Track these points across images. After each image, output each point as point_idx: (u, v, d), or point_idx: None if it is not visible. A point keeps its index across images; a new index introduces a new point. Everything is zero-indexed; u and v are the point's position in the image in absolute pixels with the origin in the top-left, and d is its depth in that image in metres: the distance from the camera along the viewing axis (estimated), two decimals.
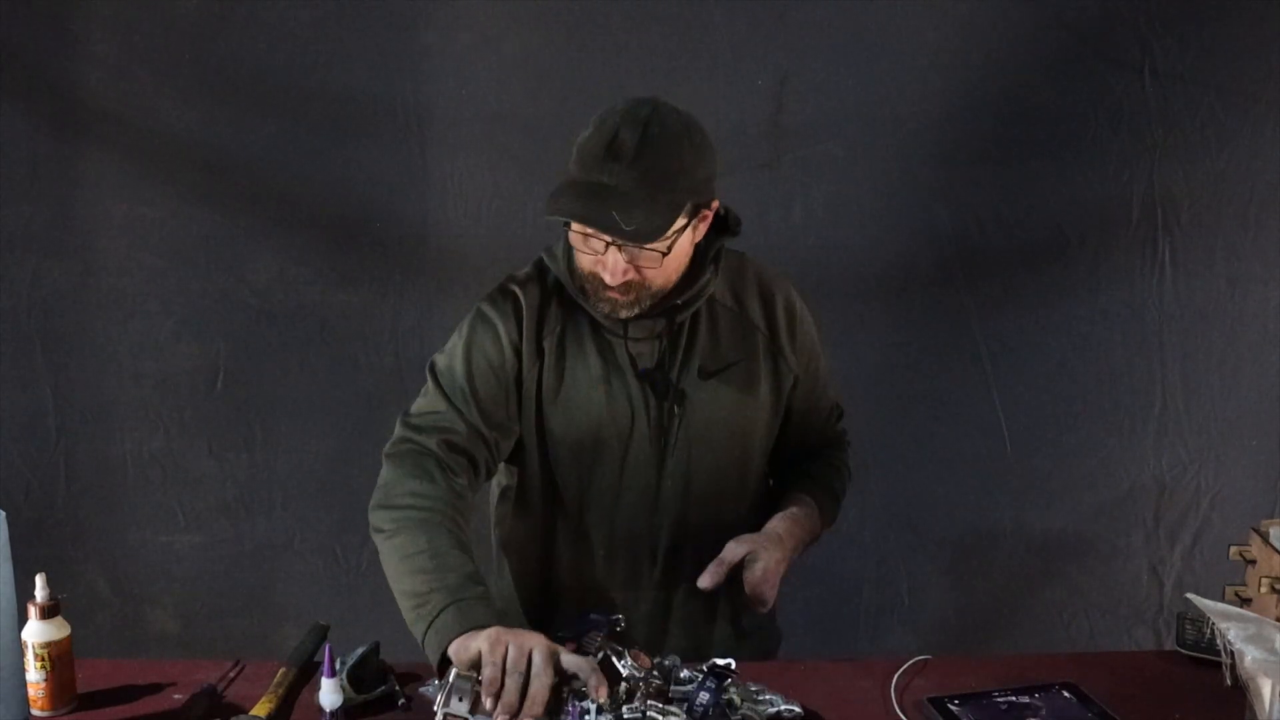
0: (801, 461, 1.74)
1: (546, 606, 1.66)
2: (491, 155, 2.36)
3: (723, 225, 1.62)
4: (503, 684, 1.24)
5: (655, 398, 1.57)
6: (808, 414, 1.72)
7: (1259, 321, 2.41)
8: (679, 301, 1.56)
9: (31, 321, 2.41)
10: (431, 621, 1.33)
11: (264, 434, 2.47)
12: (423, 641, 1.34)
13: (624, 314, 1.51)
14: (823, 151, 2.37)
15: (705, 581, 1.53)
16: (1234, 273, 2.39)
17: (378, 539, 1.46)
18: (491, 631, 1.29)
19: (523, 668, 1.25)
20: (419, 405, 1.57)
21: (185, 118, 2.34)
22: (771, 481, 1.75)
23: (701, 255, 1.57)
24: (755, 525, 1.63)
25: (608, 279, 1.46)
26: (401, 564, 1.40)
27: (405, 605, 1.38)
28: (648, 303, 1.51)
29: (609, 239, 1.43)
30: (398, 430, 1.55)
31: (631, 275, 1.47)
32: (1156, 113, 2.33)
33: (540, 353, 1.56)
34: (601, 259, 1.45)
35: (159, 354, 2.43)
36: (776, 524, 1.62)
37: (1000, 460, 2.47)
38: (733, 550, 1.55)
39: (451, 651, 1.30)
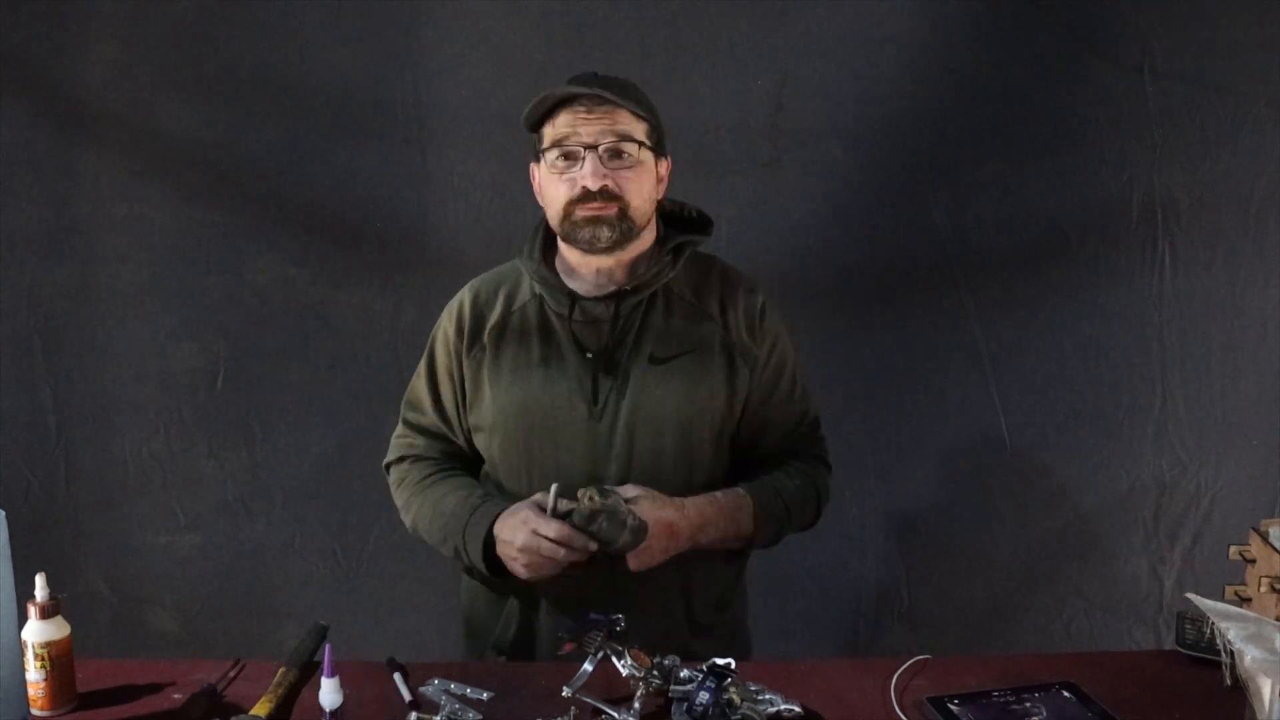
0: (763, 466, 1.73)
1: (503, 597, 1.70)
2: (491, 155, 2.36)
3: (688, 224, 1.70)
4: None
5: (598, 380, 1.62)
6: (769, 415, 1.72)
7: (1259, 321, 2.41)
8: (629, 287, 1.63)
9: (31, 321, 2.41)
10: (465, 554, 1.63)
11: (264, 434, 2.47)
12: (474, 567, 1.64)
13: (605, 239, 1.59)
14: (823, 151, 2.37)
15: (582, 491, 1.58)
16: (1234, 273, 2.39)
17: (405, 513, 1.76)
18: (509, 554, 1.57)
19: (546, 554, 1.52)
20: (397, 442, 1.79)
21: (185, 118, 2.34)
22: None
23: (659, 245, 1.67)
24: None
25: (589, 183, 1.56)
26: (429, 530, 1.70)
27: (449, 551, 1.67)
28: (625, 229, 1.59)
29: (593, 118, 1.56)
30: (391, 451, 1.80)
31: (609, 182, 1.56)
32: (1156, 113, 2.33)
33: (481, 346, 1.68)
34: (578, 175, 1.57)
35: (159, 354, 2.43)
36: (688, 499, 1.62)
37: (1000, 460, 2.47)
38: (628, 489, 1.58)
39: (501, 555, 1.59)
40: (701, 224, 1.72)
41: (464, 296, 1.72)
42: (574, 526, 1.52)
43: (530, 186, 1.70)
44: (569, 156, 1.59)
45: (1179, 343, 2.41)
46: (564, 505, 1.53)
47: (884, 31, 2.32)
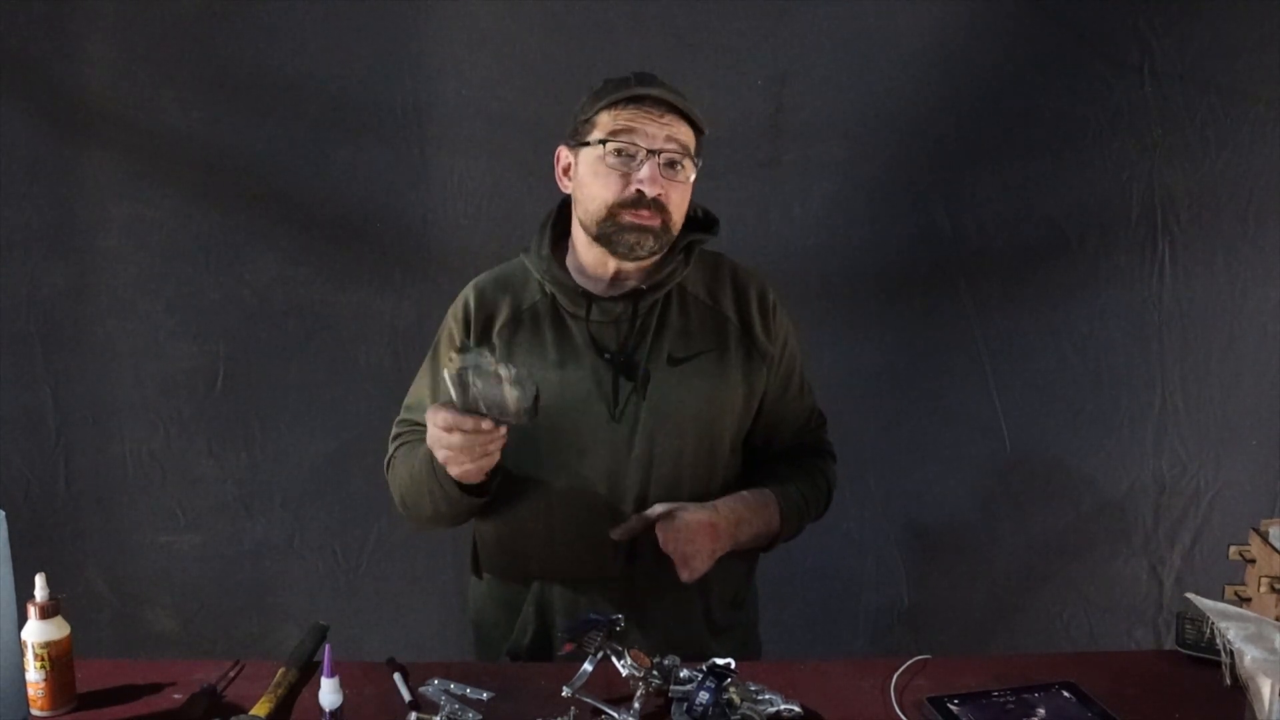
0: (775, 462, 1.74)
1: (517, 602, 1.68)
2: (491, 154, 2.36)
3: (695, 223, 1.68)
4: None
5: (618, 382, 1.60)
6: (782, 412, 1.73)
7: (1259, 321, 2.41)
8: (644, 287, 1.61)
9: (31, 321, 2.41)
10: (437, 482, 1.54)
11: (264, 434, 2.47)
12: (448, 494, 1.55)
13: (647, 250, 1.56)
14: (823, 151, 2.37)
15: (616, 533, 1.58)
16: (1234, 273, 2.39)
17: (393, 488, 1.69)
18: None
19: (445, 444, 1.44)
20: (394, 443, 1.72)
21: (185, 118, 2.34)
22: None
23: (672, 244, 1.63)
24: None
25: (647, 188, 1.53)
26: (411, 484, 1.62)
27: (427, 499, 1.59)
28: (664, 242, 1.58)
29: (660, 124, 1.54)
30: (389, 451, 1.73)
31: (663, 192, 1.54)
32: (1156, 113, 2.33)
33: (490, 345, 1.62)
34: (635, 176, 1.53)
35: (159, 354, 2.43)
36: (717, 501, 1.62)
37: (1000, 460, 2.47)
38: (655, 509, 1.58)
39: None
40: (708, 223, 1.71)
41: (468, 295, 1.68)
42: (460, 410, 1.42)
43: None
44: (623, 153, 1.55)
45: (1179, 343, 2.41)
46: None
47: (884, 31, 2.32)
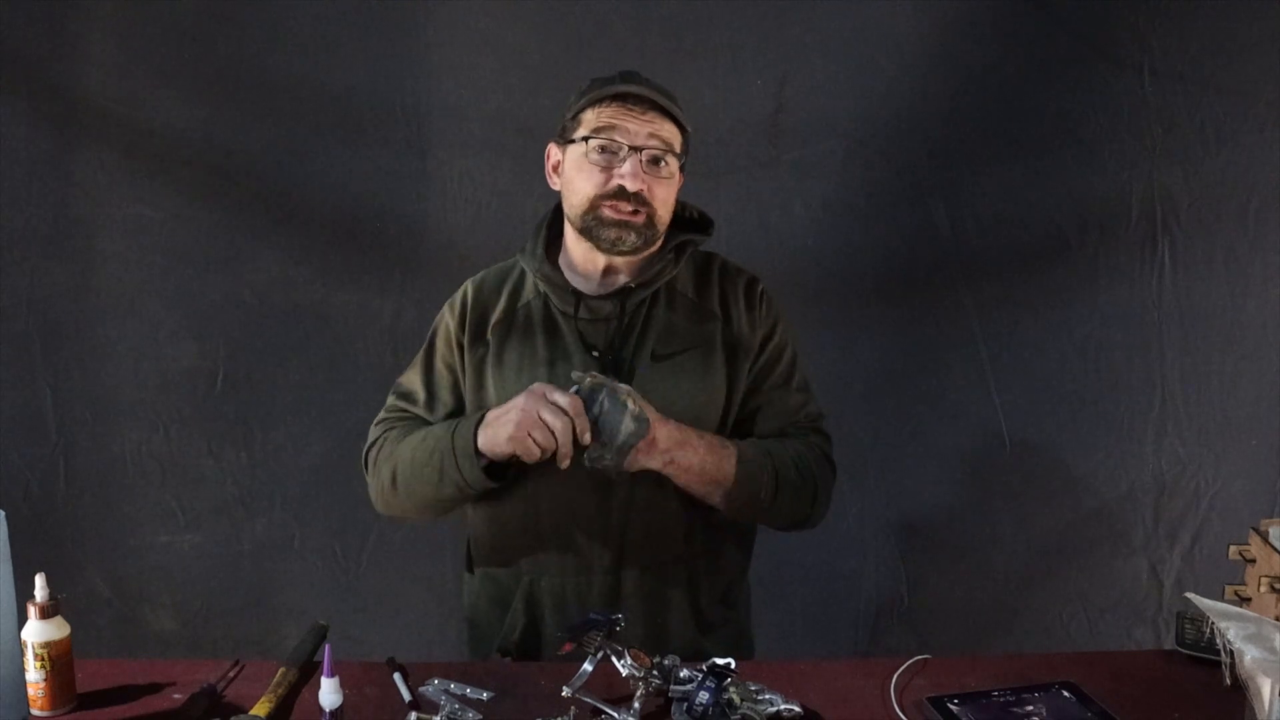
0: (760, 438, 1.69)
1: (507, 597, 1.69)
2: (491, 155, 2.36)
3: (688, 223, 1.70)
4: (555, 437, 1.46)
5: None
6: (767, 399, 1.69)
7: (1259, 321, 2.41)
8: (633, 285, 1.63)
9: (31, 321, 2.41)
10: (453, 456, 1.54)
11: (263, 434, 2.47)
12: (461, 470, 1.54)
13: (629, 244, 1.58)
14: (823, 151, 2.37)
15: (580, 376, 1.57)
16: (1234, 273, 2.39)
17: (383, 467, 1.66)
18: (503, 416, 1.50)
19: (546, 415, 1.45)
20: (377, 427, 1.74)
21: (185, 118, 2.35)
22: None
23: (662, 244, 1.65)
24: (707, 513, 1.64)
25: (629, 184, 1.55)
26: (412, 461, 1.60)
27: (432, 476, 1.58)
28: (649, 236, 1.60)
29: (642, 121, 1.56)
30: (371, 435, 1.75)
31: (644, 187, 1.56)
32: (1156, 113, 2.33)
33: (484, 341, 1.65)
34: (618, 171, 1.56)
35: (159, 354, 2.43)
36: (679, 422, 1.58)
37: (1000, 460, 2.47)
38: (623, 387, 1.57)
39: (484, 446, 1.52)
40: (703, 225, 1.72)
41: (467, 290, 1.71)
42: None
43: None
44: (606, 150, 1.57)
45: (1179, 342, 2.41)
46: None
47: (884, 31, 2.32)
